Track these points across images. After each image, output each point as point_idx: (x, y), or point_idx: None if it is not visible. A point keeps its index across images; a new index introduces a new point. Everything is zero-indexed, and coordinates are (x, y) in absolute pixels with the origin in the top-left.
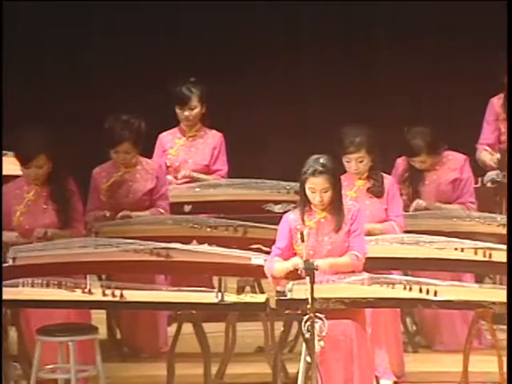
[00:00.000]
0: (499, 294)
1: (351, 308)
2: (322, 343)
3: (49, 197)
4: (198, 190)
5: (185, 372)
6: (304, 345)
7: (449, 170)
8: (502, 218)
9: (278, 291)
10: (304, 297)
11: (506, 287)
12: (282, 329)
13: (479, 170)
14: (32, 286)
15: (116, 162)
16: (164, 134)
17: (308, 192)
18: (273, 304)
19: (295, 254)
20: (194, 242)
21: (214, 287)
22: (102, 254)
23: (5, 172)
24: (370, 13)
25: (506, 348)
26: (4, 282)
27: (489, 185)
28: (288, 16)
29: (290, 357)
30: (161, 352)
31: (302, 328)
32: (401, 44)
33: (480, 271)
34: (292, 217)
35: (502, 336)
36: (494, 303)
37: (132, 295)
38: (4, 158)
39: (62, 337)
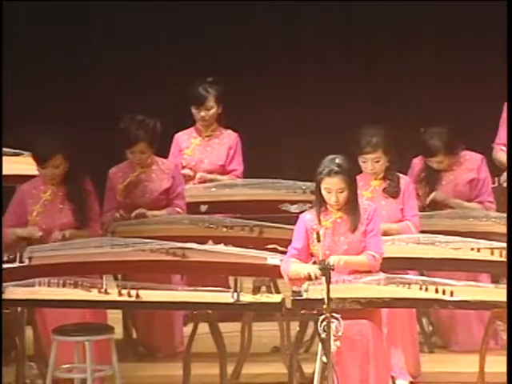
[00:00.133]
0: None
1: (367, 308)
2: (337, 343)
3: (65, 197)
4: (214, 189)
5: (201, 372)
6: (320, 345)
7: (466, 171)
8: None
9: (293, 291)
10: (320, 297)
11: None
12: (298, 329)
13: (496, 169)
14: (48, 286)
15: (132, 162)
16: (180, 133)
17: (324, 192)
18: (289, 304)
19: (311, 255)
20: (210, 241)
21: (229, 287)
22: (118, 253)
23: (21, 172)
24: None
25: None
26: (20, 282)
27: (505, 185)
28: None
29: (306, 357)
30: (177, 352)
31: (318, 328)
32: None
33: (496, 271)
34: (308, 217)
35: None
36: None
37: (148, 295)
38: (20, 158)
39: (79, 336)
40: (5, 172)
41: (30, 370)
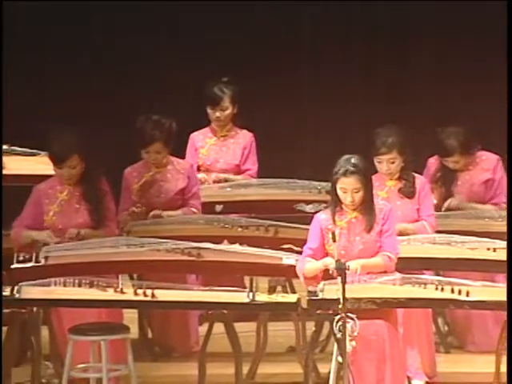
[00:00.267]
0: None
1: (383, 308)
2: (353, 343)
3: (82, 197)
4: (229, 189)
5: (216, 372)
6: (335, 345)
7: (482, 171)
8: None
9: (309, 291)
10: (335, 297)
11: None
12: (314, 329)
13: None
14: (64, 286)
15: (147, 162)
16: (195, 133)
17: (339, 192)
18: (304, 304)
19: (327, 254)
20: (225, 241)
21: (245, 287)
22: (134, 253)
23: (37, 172)
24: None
25: None
26: (36, 281)
27: None
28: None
29: (322, 357)
30: (192, 351)
31: (334, 328)
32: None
33: None
34: (323, 217)
35: None
36: None
37: (163, 295)
38: (36, 158)
39: (94, 336)
40: (21, 172)
41: (46, 369)
